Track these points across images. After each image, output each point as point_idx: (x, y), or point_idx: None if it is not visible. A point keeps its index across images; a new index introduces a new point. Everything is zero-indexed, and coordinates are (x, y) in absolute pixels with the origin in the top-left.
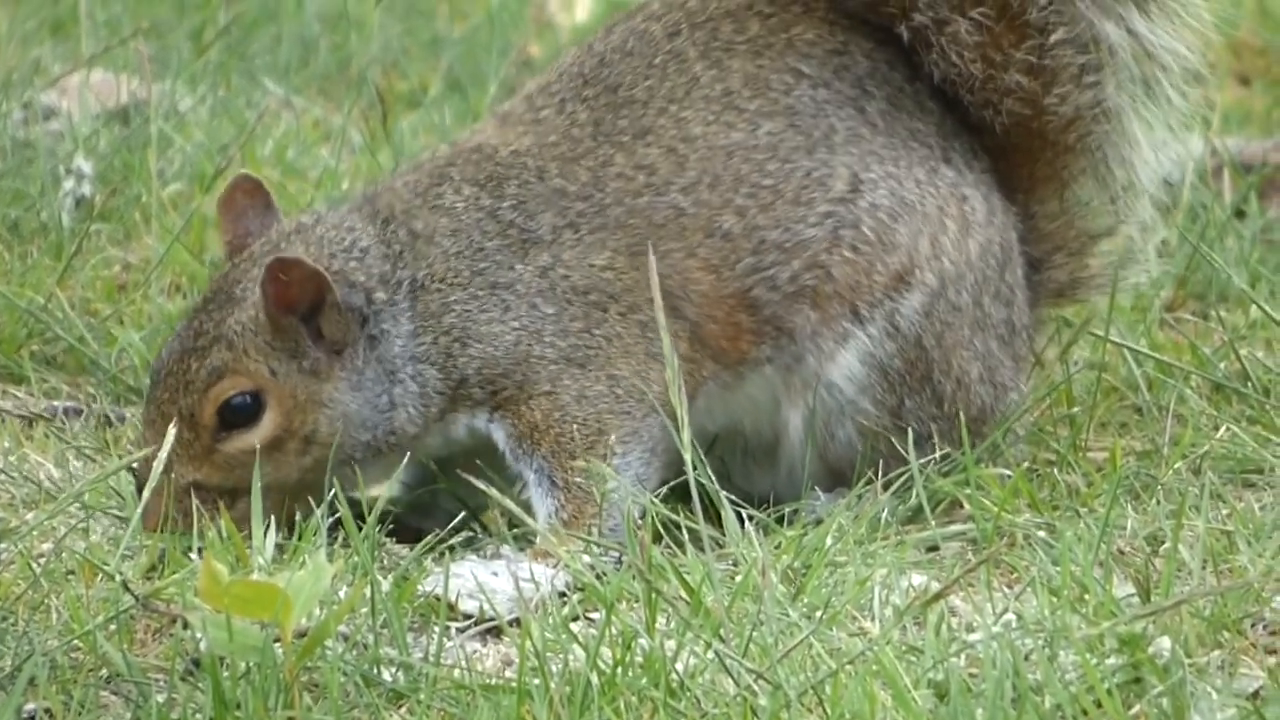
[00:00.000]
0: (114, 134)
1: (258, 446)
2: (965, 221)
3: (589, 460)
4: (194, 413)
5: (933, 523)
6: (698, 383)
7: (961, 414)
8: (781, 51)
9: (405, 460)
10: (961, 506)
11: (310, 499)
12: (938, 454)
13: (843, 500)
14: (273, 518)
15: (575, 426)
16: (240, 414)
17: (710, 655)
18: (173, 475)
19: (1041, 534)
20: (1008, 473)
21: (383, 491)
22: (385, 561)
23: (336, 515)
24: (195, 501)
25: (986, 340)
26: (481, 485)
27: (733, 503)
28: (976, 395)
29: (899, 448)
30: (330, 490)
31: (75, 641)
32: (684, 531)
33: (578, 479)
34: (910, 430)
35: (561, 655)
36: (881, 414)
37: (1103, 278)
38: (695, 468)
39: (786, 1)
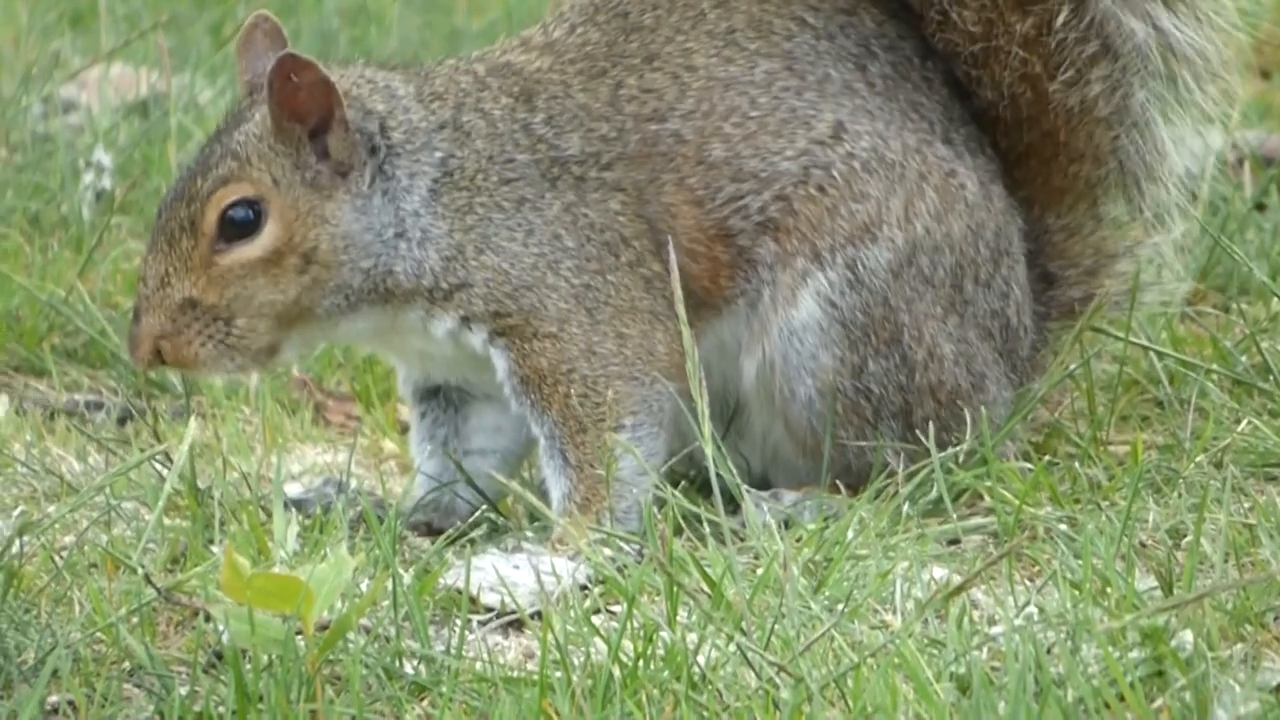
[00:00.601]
0: (134, 127)
1: (257, 258)
2: (950, 196)
3: (599, 434)
4: (195, 220)
5: (954, 516)
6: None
7: (934, 389)
8: (788, 0)
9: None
10: (982, 499)
11: (302, 336)
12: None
13: (808, 503)
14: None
15: (584, 387)
16: (241, 226)
17: (732, 648)
18: (169, 290)
19: (1063, 527)
20: (1029, 466)
21: (406, 487)
22: (407, 555)
23: (358, 509)
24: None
25: (964, 327)
26: (501, 480)
27: (752, 494)
28: (950, 375)
29: (861, 418)
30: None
31: (98, 634)
32: (705, 524)
33: (589, 457)
34: (873, 397)
35: (583, 648)
36: (842, 372)
37: (1117, 296)
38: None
39: None
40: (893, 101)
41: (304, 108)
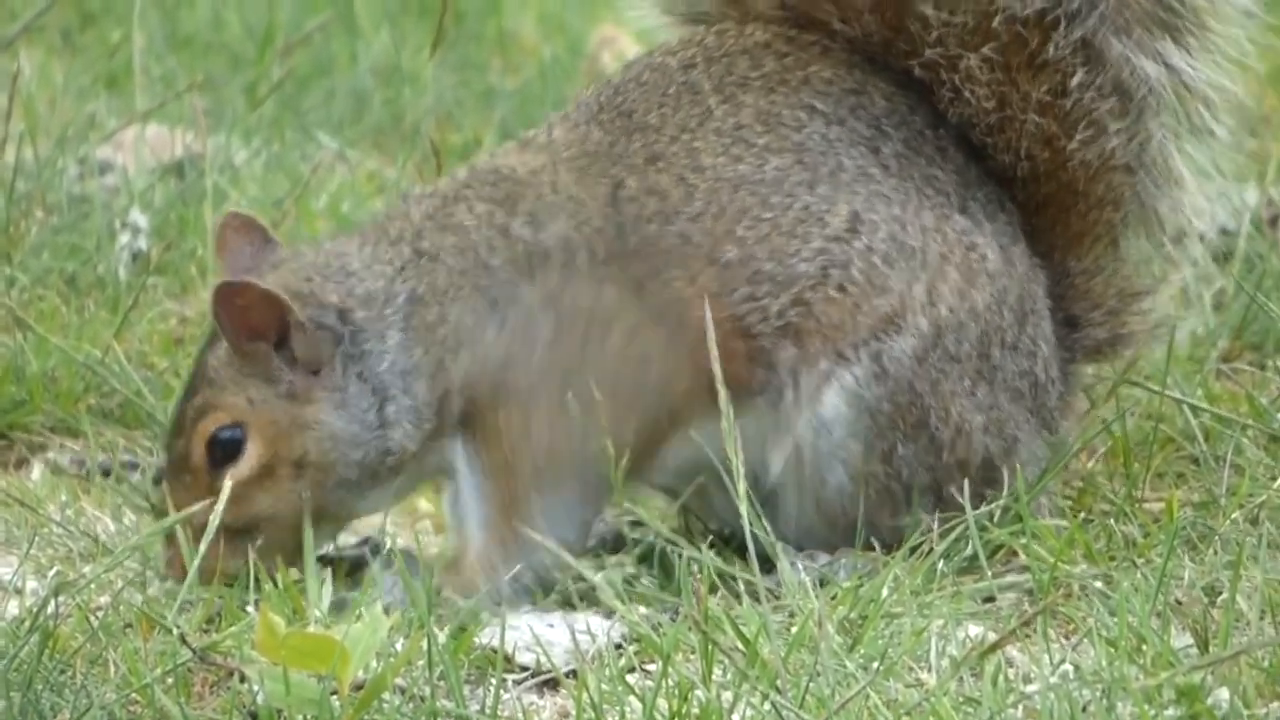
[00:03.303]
0: (169, 188)
1: (247, 477)
2: (971, 270)
3: (526, 499)
4: (187, 455)
5: (989, 573)
6: (679, 429)
7: (965, 462)
8: (796, 88)
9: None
10: (1017, 556)
11: (331, 527)
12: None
13: (843, 561)
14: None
15: (533, 464)
16: (227, 449)
17: (767, 707)
18: (185, 523)
19: (1098, 584)
20: (1064, 523)
21: (441, 547)
22: (442, 613)
23: (393, 568)
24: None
25: (994, 393)
26: (538, 538)
27: (787, 552)
28: (980, 444)
29: (894, 499)
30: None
31: (133, 695)
32: (740, 582)
33: (507, 517)
34: (903, 478)
35: (618, 707)
36: (871, 459)
37: (1143, 335)
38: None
39: (805, 41)
40: (907, 181)
41: (258, 326)
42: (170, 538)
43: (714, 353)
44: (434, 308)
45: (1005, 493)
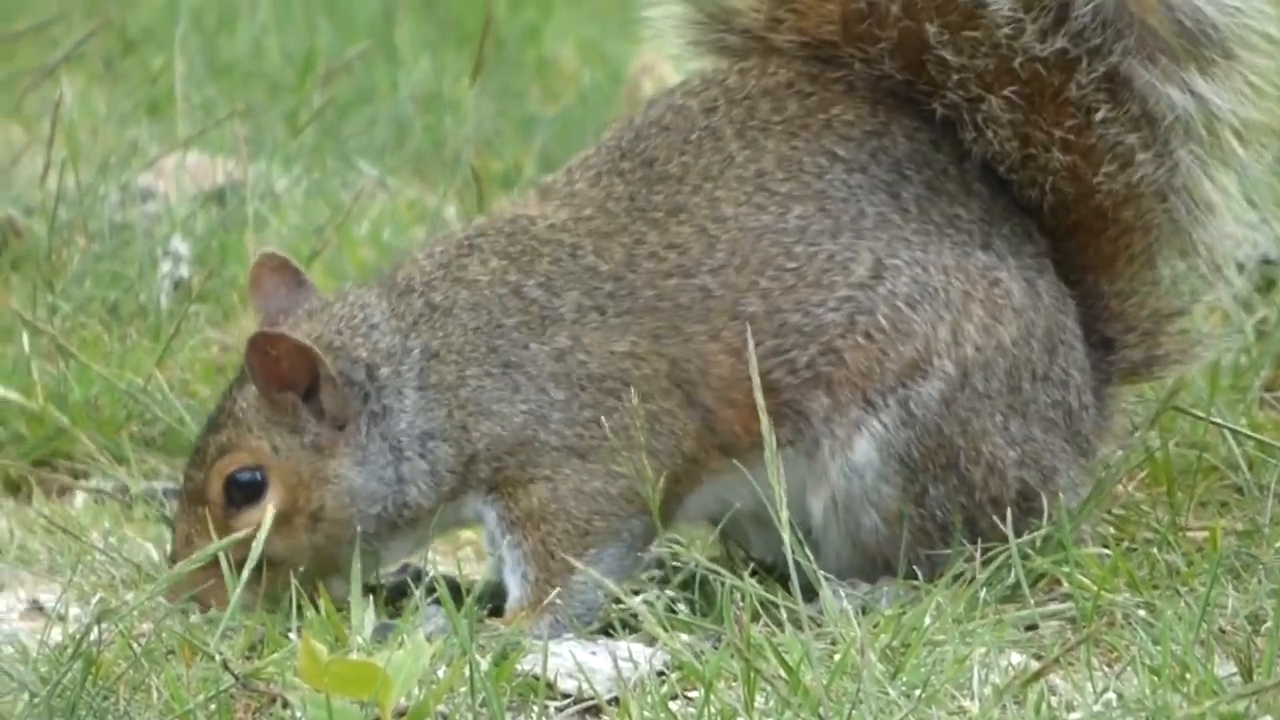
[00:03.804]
0: (210, 215)
1: (265, 523)
2: (995, 307)
3: (564, 560)
4: (204, 489)
5: (1031, 601)
6: (696, 481)
7: (998, 499)
8: (818, 133)
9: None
10: (1060, 584)
11: (340, 574)
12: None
13: (885, 589)
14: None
15: (567, 524)
16: (245, 491)
17: None
18: (194, 551)
19: (1141, 613)
20: (1107, 552)
21: (484, 573)
22: (484, 640)
23: (435, 595)
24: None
25: (1027, 425)
26: (595, 575)
27: (829, 581)
28: (1014, 479)
29: (929, 536)
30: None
31: None
32: (782, 610)
33: (549, 576)
34: (937, 518)
35: None
36: (904, 502)
37: (1179, 355)
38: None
39: (828, 80)
40: (928, 223)
41: (289, 377)
42: (172, 561)
43: (756, 382)
44: (451, 366)
45: (1046, 521)
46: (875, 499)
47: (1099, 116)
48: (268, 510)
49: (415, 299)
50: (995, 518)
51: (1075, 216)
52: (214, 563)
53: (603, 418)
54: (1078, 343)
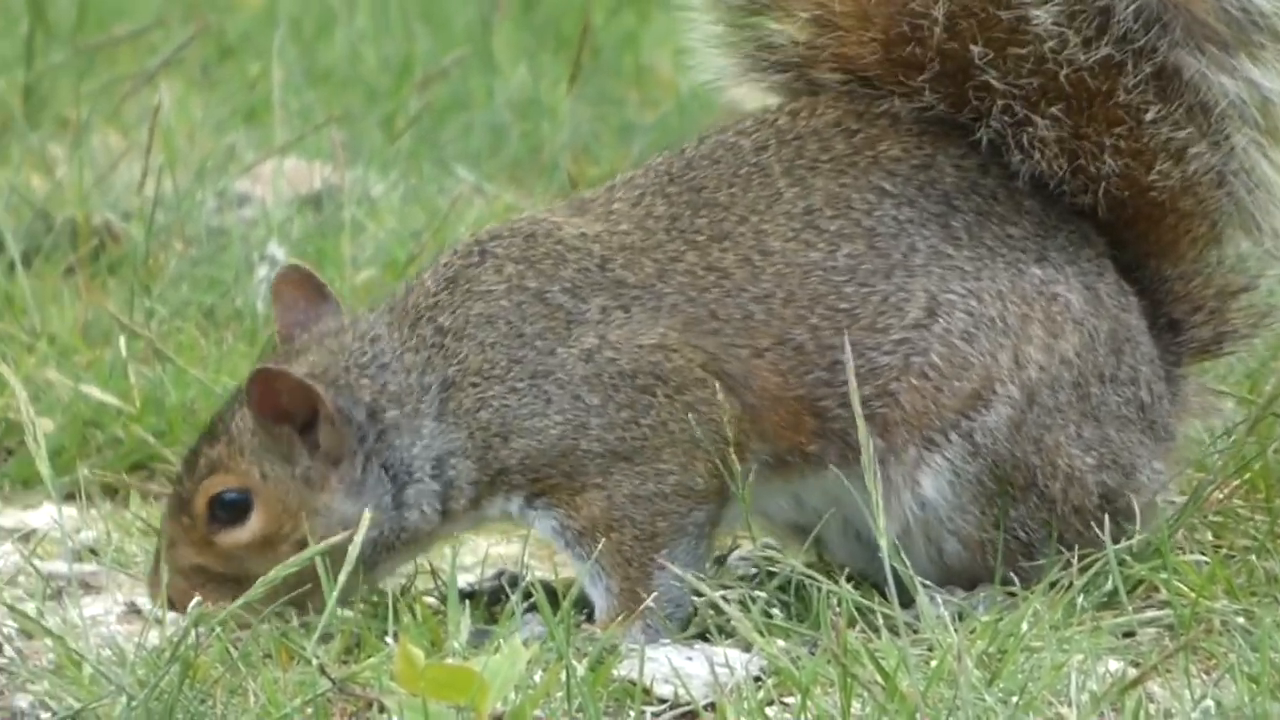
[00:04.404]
0: (307, 220)
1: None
2: (1055, 324)
3: (642, 565)
4: (189, 501)
5: (1129, 608)
6: (743, 461)
7: (1080, 507)
8: (866, 170)
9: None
10: (1158, 592)
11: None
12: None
13: (982, 596)
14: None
15: (630, 529)
16: (229, 510)
17: None
18: (177, 554)
19: (1240, 620)
20: (1204, 558)
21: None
22: (580, 645)
23: (531, 601)
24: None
25: (1101, 428)
26: (675, 570)
27: (926, 587)
28: (1096, 484)
29: (1016, 553)
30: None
31: None
32: (879, 616)
33: (630, 584)
34: (1021, 537)
35: None
36: (984, 527)
37: (1247, 329)
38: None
39: (873, 116)
40: (980, 248)
41: (287, 409)
42: (156, 558)
43: (853, 383)
44: (470, 391)
45: (1139, 527)
46: (953, 528)
47: (1149, 117)
48: (365, 517)
49: (424, 327)
50: (1080, 528)
51: (1132, 211)
52: (195, 571)
53: (640, 419)
54: (1143, 337)
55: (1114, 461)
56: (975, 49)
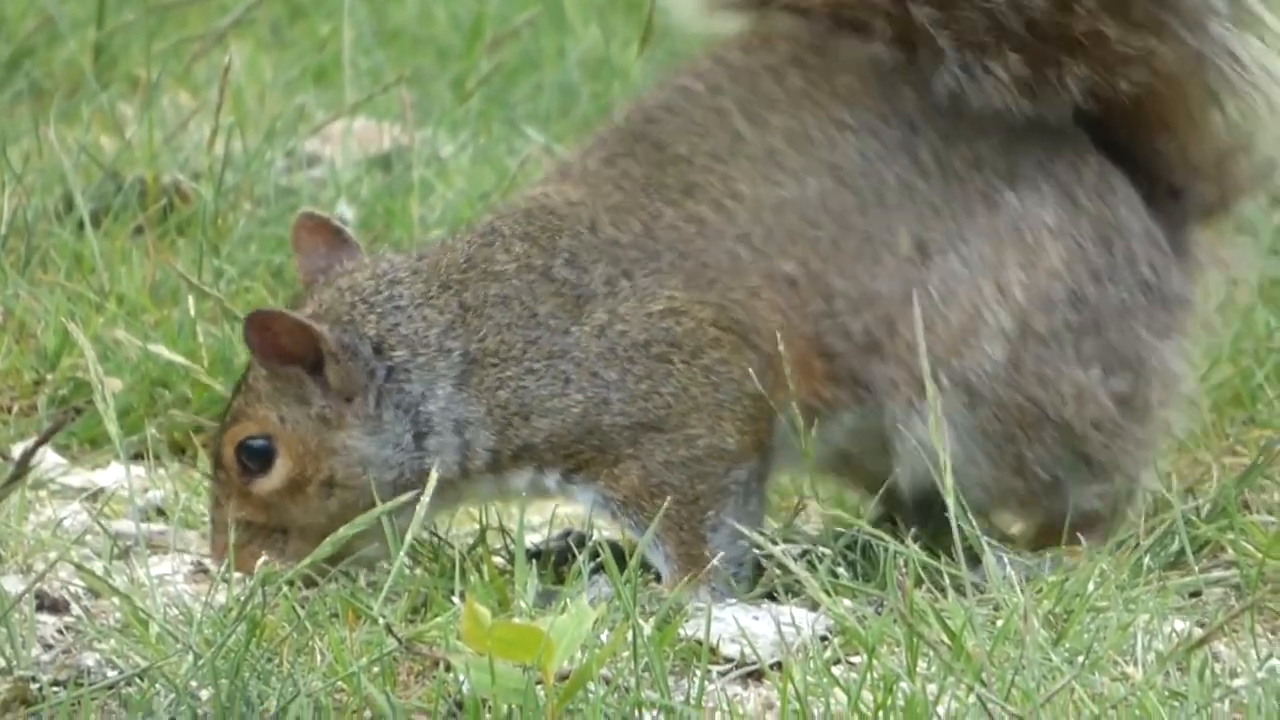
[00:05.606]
0: (376, 181)
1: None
2: (1030, 248)
3: (693, 529)
4: (220, 454)
5: (1195, 568)
6: (780, 408)
7: (1098, 420)
8: (823, 102)
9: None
10: (1224, 551)
11: (366, 538)
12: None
13: (1048, 555)
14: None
15: (672, 494)
16: (255, 458)
17: (972, 699)
18: (224, 511)
19: None
20: (1271, 519)
21: (645, 537)
22: (646, 605)
23: (599, 560)
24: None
25: (1101, 334)
26: (732, 524)
27: (993, 547)
28: (1108, 394)
29: (1046, 492)
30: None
31: (339, 684)
32: (945, 576)
33: (686, 547)
34: (1042, 477)
35: (823, 699)
36: (1003, 473)
37: (1250, 182)
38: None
39: (831, 48)
40: (949, 175)
41: (291, 352)
42: (217, 524)
43: (919, 329)
44: (490, 370)
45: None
46: (971, 478)
47: (1113, 35)
48: (431, 476)
49: (451, 298)
50: (1104, 441)
51: (1107, 108)
52: (242, 525)
53: (660, 388)
54: (1132, 216)
55: (1122, 361)
56: (925, 11)
